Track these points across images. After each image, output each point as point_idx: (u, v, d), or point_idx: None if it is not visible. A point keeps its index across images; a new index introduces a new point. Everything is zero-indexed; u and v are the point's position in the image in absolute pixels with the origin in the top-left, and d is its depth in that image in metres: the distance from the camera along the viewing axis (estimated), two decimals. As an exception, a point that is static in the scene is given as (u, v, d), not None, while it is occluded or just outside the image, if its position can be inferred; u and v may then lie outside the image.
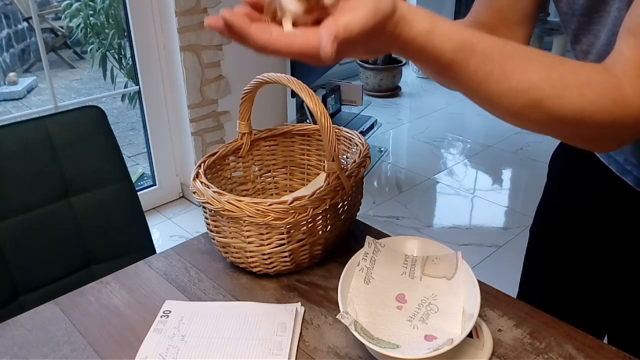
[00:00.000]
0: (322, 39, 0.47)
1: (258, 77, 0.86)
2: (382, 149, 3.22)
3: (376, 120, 3.18)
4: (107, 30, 3.58)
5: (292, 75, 0.83)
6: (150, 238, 1.18)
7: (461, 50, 0.52)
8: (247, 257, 0.85)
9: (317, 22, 0.50)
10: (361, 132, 2.93)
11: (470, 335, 0.70)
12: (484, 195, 2.73)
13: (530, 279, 1.02)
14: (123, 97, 3.79)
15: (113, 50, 3.61)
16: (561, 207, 0.93)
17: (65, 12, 3.71)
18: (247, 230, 0.82)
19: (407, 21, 0.51)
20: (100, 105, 1.15)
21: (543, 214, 0.99)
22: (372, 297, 0.74)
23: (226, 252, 0.88)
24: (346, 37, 0.47)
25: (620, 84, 0.53)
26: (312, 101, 0.78)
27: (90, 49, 3.68)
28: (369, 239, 0.78)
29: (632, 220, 0.80)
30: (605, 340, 0.86)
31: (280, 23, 0.51)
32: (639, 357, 0.69)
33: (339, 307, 0.69)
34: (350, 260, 0.76)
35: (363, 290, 0.74)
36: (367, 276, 0.76)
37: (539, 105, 0.53)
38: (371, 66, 3.93)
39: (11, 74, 4.52)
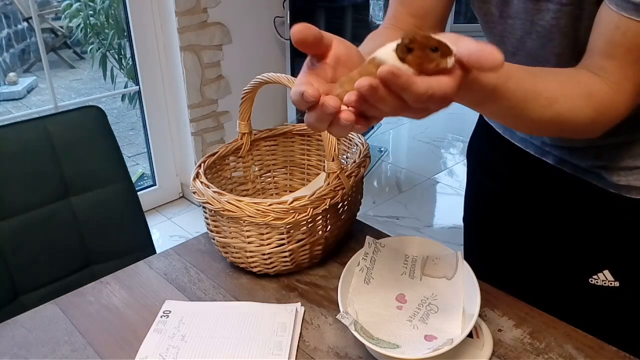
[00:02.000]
0: (483, 49, 0.44)
1: (258, 77, 0.86)
2: (382, 149, 3.22)
3: (376, 120, 3.18)
4: (107, 30, 3.58)
5: (292, 75, 0.83)
6: (150, 238, 1.18)
7: (501, 76, 0.55)
8: (247, 257, 0.85)
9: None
10: (361, 132, 2.93)
11: (470, 335, 0.70)
12: (484, 195, 2.72)
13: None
14: (123, 97, 3.79)
15: (113, 50, 3.61)
16: (487, 193, 0.99)
17: (65, 12, 3.71)
18: (247, 230, 0.82)
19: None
20: (100, 105, 1.15)
21: (471, 202, 1.05)
22: (372, 297, 0.74)
23: (226, 252, 0.88)
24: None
25: (613, 94, 0.61)
26: (312, 101, 0.78)
27: (90, 49, 3.68)
28: (369, 239, 0.78)
29: (556, 196, 0.86)
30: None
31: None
32: (638, 355, 0.69)
33: (339, 307, 0.69)
34: (350, 260, 0.76)
35: (363, 290, 0.74)
36: (367, 276, 0.76)
37: (559, 117, 0.60)
38: (371, 66, 3.93)
39: (11, 74, 4.52)
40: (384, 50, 0.47)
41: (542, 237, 0.91)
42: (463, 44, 0.46)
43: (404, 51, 0.45)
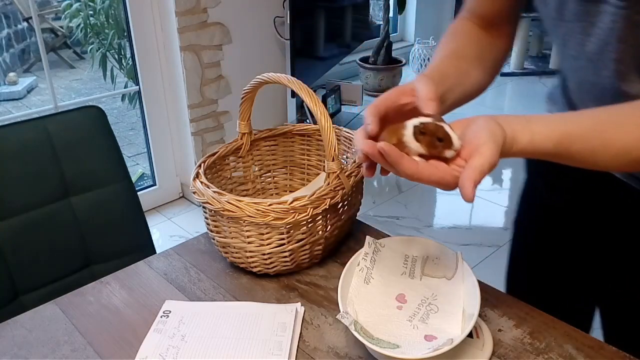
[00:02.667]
0: (464, 185, 0.56)
1: (258, 77, 0.86)
2: (382, 149, 3.22)
3: (376, 120, 3.18)
4: (107, 30, 3.58)
5: (292, 75, 0.83)
6: (150, 238, 1.18)
7: (562, 144, 0.60)
8: (247, 257, 0.85)
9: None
10: (361, 132, 2.93)
11: (470, 335, 0.70)
12: (484, 195, 2.72)
13: (518, 271, 1.04)
14: (123, 97, 3.79)
15: (113, 50, 3.61)
16: (547, 205, 0.94)
17: (65, 12, 3.71)
18: (247, 230, 0.81)
19: (513, 139, 0.59)
20: (100, 105, 1.15)
21: (528, 210, 1.01)
22: (372, 297, 0.74)
23: (226, 252, 0.88)
24: (480, 179, 0.57)
25: None
26: (312, 101, 0.78)
27: (90, 49, 3.68)
28: (369, 239, 0.78)
29: (623, 211, 0.82)
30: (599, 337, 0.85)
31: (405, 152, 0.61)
32: (637, 355, 0.69)
33: (339, 307, 0.69)
34: (350, 260, 0.76)
35: (363, 290, 0.74)
36: (367, 276, 0.76)
37: (638, 160, 0.61)
38: (371, 66, 3.93)
39: (11, 74, 4.51)
40: (411, 122, 0.61)
41: (603, 256, 0.87)
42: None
43: (417, 133, 0.60)
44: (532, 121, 0.61)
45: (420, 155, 0.61)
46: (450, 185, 0.59)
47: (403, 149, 0.61)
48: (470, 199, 0.56)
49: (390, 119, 0.66)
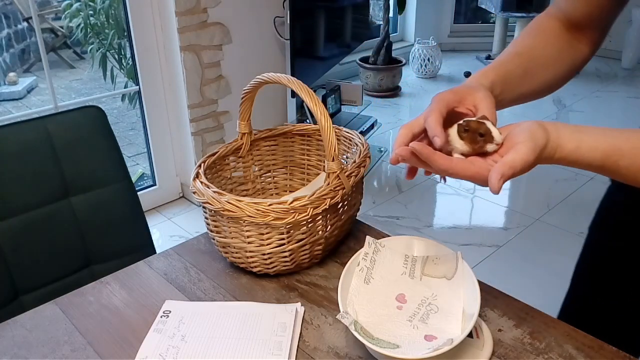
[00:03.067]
0: (491, 177, 0.58)
1: (258, 77, 0.86)
2: (382, 149, 3.22)
3: (376, 120, 3.18)
4: (107, 30, 3.58)
5: (292, 75, 0.83)
6: (150, 238, 1.18)
7: (610, 157, 0.60)
8: (247, 257, 0.85)
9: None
10: (361, 132, 2.93)
11: (470, 335, 0.70)
12: (484, 195, 2.72)
13: (580, 291, 0.98)
14: (123, 97, 3.79)
15: (113, 50, 3.61)
16: (625, 222, 0.90)
17: (65, 12, 3.71)
18: (247, 230, 0.81)
19: (558, 145, 0.60)
20: (100, 105, 1.15)
21: (604, 227, 0.95)
22: (372, 297, 0.74)
23: (226, 252, 0.88)
24: (510, 174, 0.58)
25: None
26: (312, 101, 0.78)
27: (90, 49, 3.67)
28: (369, 239, 0.78)
29: None
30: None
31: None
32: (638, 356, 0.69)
33: (339, 307, 0.69)
34: (350, 260, 0.76)
35: (363, 290, 0.74)
36: (367, 276, 0.76)
37: None
38: (371, 66, 3.93)
39: (11, 74, 4.51)
40: (456, 123, 0.64)
41: None
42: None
43: (461, 131, 0.63)
44: (581, 130, 0.61)
45: (465, 155, 0.64)
46: (485, 180, 0.59)
47: (449, 149, 0.64)
48: (495, 191, 0.57)
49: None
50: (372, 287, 0.75)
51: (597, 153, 0.60)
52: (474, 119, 0.64)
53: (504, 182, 0.58)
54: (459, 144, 0.63)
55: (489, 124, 0.62)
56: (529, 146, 0.58)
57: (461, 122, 0.64)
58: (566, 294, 1.00)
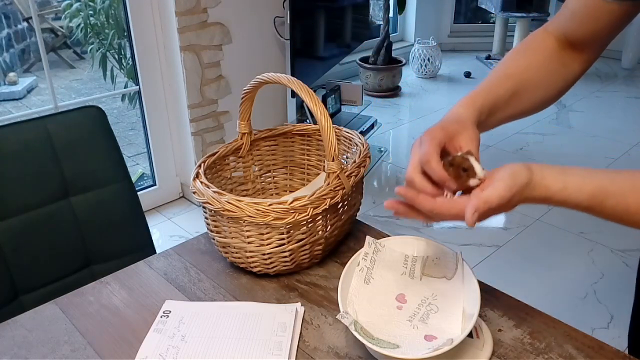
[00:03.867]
0: (466, 211, 0.61)
1: (258, 77, 0.86)
2: (382, 149, 3.22)
3: (376, 120, 3.18)
4: (107, 30, 3.58)
5: (292, 75, 0.83)
6: (150, 238, 1.18)
7: (595, 197, 0.61)
8: (247, 257, 0.85)
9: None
10: (361, 132, 2.93)
11: (470, 335, 0.70)
12: (484, 195, 2.72)
13: None
14: (123, 97, 3.79)
15: (113, 50, 3.61)
16: None
17: (65, 12, 3.71)
18: (247, 230, 0.81)
19: (542, 185, 0.62)
20: (100, 105, 1.15)
21: None
22: (372, 297, 0.74)
23: (226, 252, 0.88)
24: (486, 209, 0.61)
25: None
26: (312, 101, 0.78)
27: (90, 49, 3.67)
28: (369, 239, 0.78)
29: None
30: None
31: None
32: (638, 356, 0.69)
33: (339, 307, 0.69)
34: (350, 260, 0.76)
35: (363, 291, 0.74)
36: (367, 276, 0.76)
37: None
38: (371, 66, 3.93)
39: (11, 74, 4.51)
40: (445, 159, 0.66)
41: None
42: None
43: (446, 165, 0.65)
44: (567, 172, 0.63)
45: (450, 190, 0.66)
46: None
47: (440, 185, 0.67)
48: (469, 224, 0.60)
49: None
50: (372, 287, 0.75)
51: (583, 194, 0.62)
52: (459, 154, 0.66)
53: (478, 216, 0.60)
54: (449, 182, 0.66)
55: (472, 160, 0.64)
56: (507, 183, 0.60)
57: (449, 158, 0.67)
58: (633, 308, 0.96)
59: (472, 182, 0.64)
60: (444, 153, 0.68)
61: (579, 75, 0.83)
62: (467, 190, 0.65)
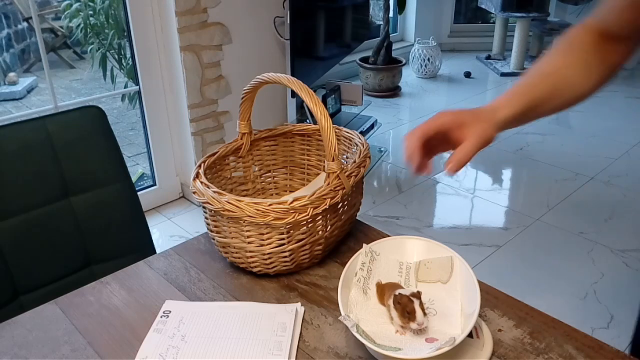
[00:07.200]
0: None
1: (258, 77, 0.86)
2: (382, 149, 3.22)
3: (376, 120, 3.18)
4: (107, 31, 3.58)
5: (292, 75, 0.83)
6: (150, 238, 1.18)
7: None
8: (247, 257, 0.85)
9: None
10: (361, 132, 2.93)
11: (470, 335, 0.70)
12: (484, 195, 2.72)
13: None
14: (123, 97, 3.79)
15: (113, 51, 3.61)
16: None
17: (65, 12, 3.71)
18: (247, 230, 0.81)
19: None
20: (100, 105, 1.15)
21: None
22: (371, 308, 0.74)
23: (226, 252, 0.88)
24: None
25: None
26: (312, 101, 0.78)
27: (90, 49, 3.67)
28: (365, 247, 0.78)
29: None
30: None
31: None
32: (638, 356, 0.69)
33: (339, 307, 0.69)
34: (350, 261, 0.76)
35: (361, 301, 0.74)
36: (365, 286, 0.76)
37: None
38: (371, 66, 3.93)
39: (11, 74, 4.51)
40: (397, 290, 0.71)
41: None
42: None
43: (395, 301, 0.69)
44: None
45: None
46: None
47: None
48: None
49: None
50: (370, 297, 0.75)
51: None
52: (408, 293, 0.69)
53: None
54: (393, 312, 0.70)
55: (416, 305, 0.68)
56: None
57: (397, 293, 0.70)
58: (635, 326, 0.95)
59: (413, 325, 0.68)
60: (442, 140, 0.74)
61: (620, 66, 0.82)
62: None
